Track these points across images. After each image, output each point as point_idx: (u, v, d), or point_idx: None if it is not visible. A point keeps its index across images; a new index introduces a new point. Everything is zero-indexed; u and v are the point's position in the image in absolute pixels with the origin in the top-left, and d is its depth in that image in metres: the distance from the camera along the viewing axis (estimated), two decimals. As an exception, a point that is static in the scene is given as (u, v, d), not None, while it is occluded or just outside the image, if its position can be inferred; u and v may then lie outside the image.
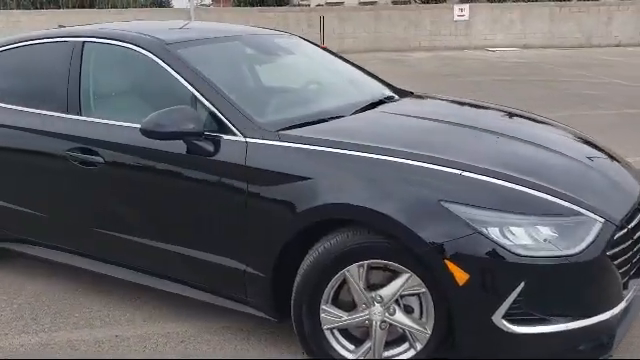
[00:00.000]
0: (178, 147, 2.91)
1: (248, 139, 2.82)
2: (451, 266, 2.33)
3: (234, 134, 2.86)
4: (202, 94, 2.98)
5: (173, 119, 2.81)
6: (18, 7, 20.37)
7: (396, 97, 3.67)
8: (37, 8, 20.78)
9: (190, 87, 3.01)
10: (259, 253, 2.79)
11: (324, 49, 4.08)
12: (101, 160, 3.16)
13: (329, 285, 2.59)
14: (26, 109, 3.55)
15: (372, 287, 2.57)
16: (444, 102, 3.87)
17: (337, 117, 3.09)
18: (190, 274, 3.10)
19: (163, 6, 32.62)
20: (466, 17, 22.31)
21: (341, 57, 4.07)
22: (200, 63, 3.14)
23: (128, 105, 3.38)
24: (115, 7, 23.01)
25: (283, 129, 2.86)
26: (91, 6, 22.75)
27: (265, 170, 2.73)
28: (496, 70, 14.75)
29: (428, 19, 22.20)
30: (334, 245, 2.54)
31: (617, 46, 22.22)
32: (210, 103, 2.95)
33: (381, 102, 3.48)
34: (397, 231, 2.40)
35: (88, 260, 3.48)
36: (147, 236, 3.15)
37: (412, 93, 3.85)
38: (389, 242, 2.46)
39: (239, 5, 29.06)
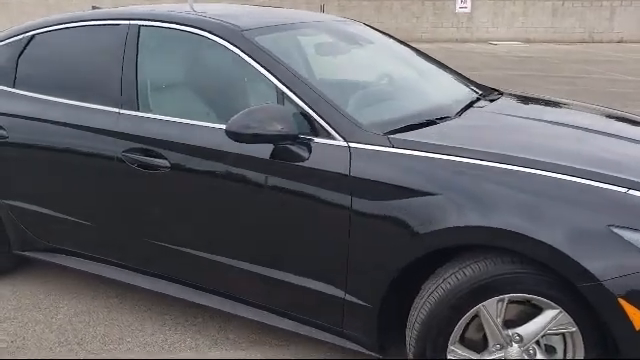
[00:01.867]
0: (263, 151, 2.47)
1: (351, 144, 2.38)
2: (626, 306, 1.92)
3: (332, 137, 2.43)
4: (291, 89, 2.54)
5: (264, 119, 2.37)
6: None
7: (488, 94, 3.25)
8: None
9: (276, 81, 2.57)
10: (364, 280, 2.37)
11: (390, 37, 3.64)
12: (166, 164, 2.71)
13: (460, 323, 2.17)
14: (69, 102, 3.08)
15: (509, 324, 2.17)
16: (546, 102, 3.44)
17: (442, 118, 2.67)
18: (270, 298, 2.67)
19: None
20: (468, 9, 21.93)
21: (408, 45, 3.63)
22: (282, 53, 2.71)
23: (196, 101, 2.91)
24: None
25: (391, 132, 2.43)
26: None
27: (375, 182, 2.30)
28: (507, 64, 14.37)
29: (430, 10, 21.78)
30: (470, 276, 2.12)
31: (619, 42, 21.97)
32: (301, 100, 2.51)
33: (476, 99, 3.06)
34: (556, 262, 1.99)
35: (140, 276, 3.03)
36: (219, 252, 2.72)
37: (497, 90, 3.43)
38: (540, 274, 2.05)
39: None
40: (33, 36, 3.31)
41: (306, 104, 2.50)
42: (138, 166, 2.78)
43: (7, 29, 3.58)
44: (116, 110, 2.91)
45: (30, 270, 3.64)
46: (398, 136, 2.40)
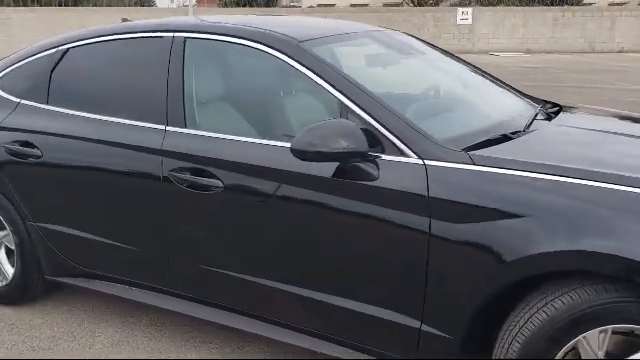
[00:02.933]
0: (327, 170, 2.31)
1: (427, 161, 2.22)
2: None
3: (404, 154, 2.26)
4: (356, 103, 2.37)
5: (327, 135, 2.20)
6: (2, 4, 19.39)
7: (546, 106, 3.09)
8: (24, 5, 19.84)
9: (338, 94, 2.41)
10: (444, 310, 2.19)
11: (435, 47, 3.48)
12: (218, 184, 2.53)
13: (557, 356, 2.00)
14: (108, 119, 2.90)
15: (612, 357, 1.99)
16: (609, 113, 3.28)
17: (514, 133, 2.50)
18: (334, 327, 2.49)
19: (145, 5, 31.68)
20: (469, 21, 21.91)
21: (455, 56, 3.48)
22: (341, 64, 2.55)
23: (248, 117, 2.74)
24: (100, 6, 22.15)
25: (469, 148, 2.27)
26: (75, 5, 21.78)
27: (457, 203, 2.13)
28: (512, 75, 14.20)
29: (431, 22, 21.75)
30: (568, 305, 1.95)
31: (620, 52, 21.97)
32: (368, 114, 2.35)
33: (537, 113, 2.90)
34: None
35: (185, 302, 2.84)
36: (277, 278, 2.54)
37: (551, 102, 3.27)
38: (648, 302, 1.88)
39: (225, 6, 28.16)
40: (67, 50, 3.13)
41: (373, 118, 2.33)
42: (188, 186, 2.61)
43: (37, 43, 3.41)
44: (161, 127, 2.74)
45: (58, 296, 3.45)
46: (479, 153, 2.23)
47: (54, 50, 3.17)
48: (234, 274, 2.63)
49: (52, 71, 3.14)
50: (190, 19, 3.00)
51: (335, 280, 2.42)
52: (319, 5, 28.80)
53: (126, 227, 2.90)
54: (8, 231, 3.26)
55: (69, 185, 2.99)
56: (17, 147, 3.09)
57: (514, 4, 23.37)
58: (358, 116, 2.36)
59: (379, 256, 2.29)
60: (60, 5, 19.96)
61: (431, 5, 24.14)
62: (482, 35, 21.94)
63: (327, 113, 2.45)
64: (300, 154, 2.24)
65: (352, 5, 29.03)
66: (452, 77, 3.18)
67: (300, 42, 2.58)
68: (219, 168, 2.55)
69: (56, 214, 3.08)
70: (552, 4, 22.95)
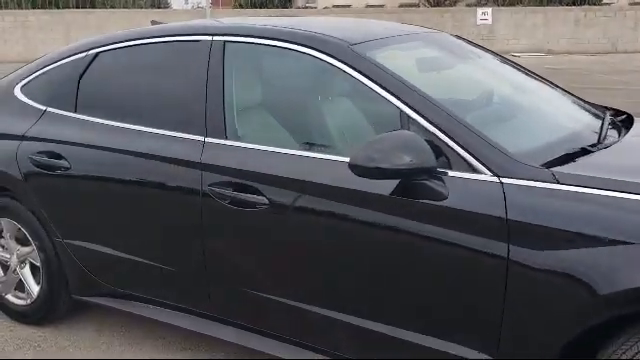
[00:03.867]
0: (388, 187, 2.08)
1: (504, 179, 1.98)
2: None
3: (476, 170, 2.03)
4: (420, 113, 2.15)
5: (388, 149, 1.98)
6: (21, 7, 19.31)
7: (614, 115, 2.84)
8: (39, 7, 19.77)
9: (399, 103, 2.18)
10: (523, 346, 1.96)
11: (486, 49, 3.24)
12: (263, 200, 2.31)
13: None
14: (141, 129, 2.69)
15: None
16: None
17: (593, 145, 2.26)
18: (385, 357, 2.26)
19: (161, 7, 31.62)
20: (489, 21, 21.60)
21: (510, 60, 3.24)
22: (399, 69, 2.32)
23: (295, 128, 2.52)
24: (113, 7, 22.07)
25: (549, 164, 2.03)
26: (92, 6, 21.68)
27: (540, 227, 1.89)
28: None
29: (450, 22, 21.45)
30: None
31: (643, 52, 21.55)
32: (433, 125, 2.12)
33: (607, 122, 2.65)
34: None
35: (224, 327, 2.62)
36: (327, 305, 2.31)
37: (618, 110, 3.01)
38: None
39: (241, 7, 28.01)
40: (97, 54, 2.93)
41: (439, 129, 2.10)
42: (229, 203, 2.39)
43: (63, 47, 3.21)
44: (200, 138, 2.52)
45: (86, 316, 3.24)
46: (561, 169, 1.99)
47: (82, 55, 2.97)
48: (281, 299, 2.41)
49: (80, 77, 2.94)
50: (228, 21, 2.79)
51: (393, 309, 2.19)
52: (335, 6, 28.60)
53: (161, 245, 2.69)
54: (33, 247, 3.06)
55: (100, 199, 2.79)
56: (43, 158, 2.89)
57: (534, 4, 23.01)
58: (421, 127, 2.14)
59: (447, 285, 2.06)
60: (77, 7, 19.93)
61: (448, 5, 23.86)
62: (502, 36, 21.61)
63: (385, 124, 2.21)
64: (359, 170, 2.01)
65: (368, 6, 28.83)
66: (512, 82, 2.94)
67: (352, 45, 2.36)
68: (264, 184, 2.33)
69: (85, 230, 2.88)
70: (574, 4, 22.57)
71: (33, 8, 18.87)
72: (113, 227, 2.79)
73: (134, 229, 2.74)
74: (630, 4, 23.21)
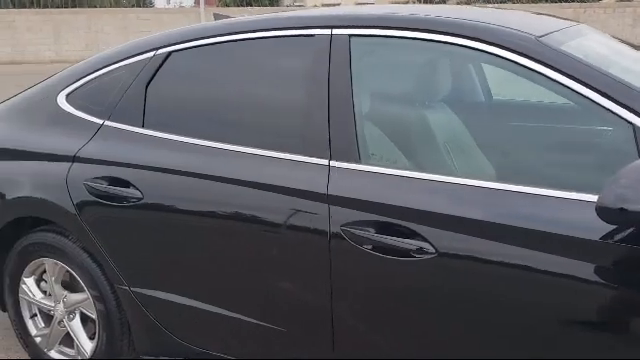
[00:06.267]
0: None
1: None
2: None
3: None
4: None
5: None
6: (13, 5, 18.48)
7: None
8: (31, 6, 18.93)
9: (627, 113, 1.62)
10: None
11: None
12: (427, 248, 1.74)
13: None
14: (240, 149, 2.11)
15: None
16: None
17: None
18: None
19: (145, 7, 30.87)
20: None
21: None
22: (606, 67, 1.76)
23: (464, 149, 1.95)
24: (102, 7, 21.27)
25: None
26: (74, 6, 20.78)
27: None
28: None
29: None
30: None
31: (643, 49, 21.30)
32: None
33: None
34: None
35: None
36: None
37: None
38: None
39: (226, 6, 27.27)
40: (169, 54, 2.34)
41: None
42: (373, 249, 1.82)
43: (117, 46, 2.61)
44: (323, 162, 1.95)
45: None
46: None
47: (148, 56, 2.37)
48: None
49: (148, 84, 2.35)
50: (346, 9, 2.21)
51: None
52: (324, 5, 28.12)
53: (265, 299, 2.10)
54: (87, 295, 2.47)
55: (182, 238, 2.20)
56: (104, 186, 2.30)
57: (527, 1, 22.64)
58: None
59: None
60: (60, 6, 19.10)
61: (439, 4, 23.38)
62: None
63: (607, 142, 1.66)
64: (608, 215, 1.45)
65: (357, 4, 28.42)
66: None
67: (539, 37, 1.80)
68: (426, 224, 1.76)
69: (161, 276, 2.29)
70: (573, 0, 22.27)
71: (20, 7, 18.07)
72: (198, 273, 2.21)
73: (227, 277, 2.15)
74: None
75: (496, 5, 21.90)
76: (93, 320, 2.50)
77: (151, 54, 2.37)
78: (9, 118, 2.70)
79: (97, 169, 2.33)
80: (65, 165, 2.39)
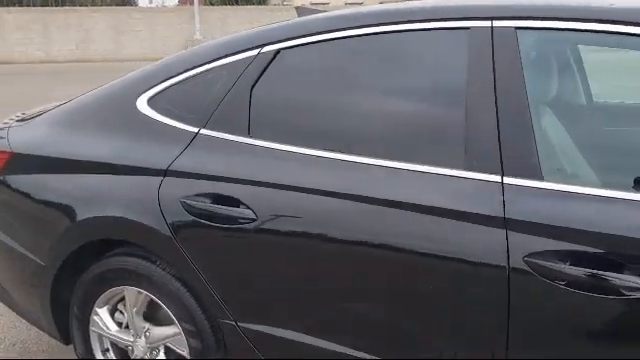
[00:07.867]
0: None
1: None
2: None
3: None
4: None
5: None
6: (1, 4, 17.92)
7: None
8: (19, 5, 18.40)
9: None
10: None
11: None
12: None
13: None
14: (378, 162, 1.80)
15: None
16: None
17: None
18: None
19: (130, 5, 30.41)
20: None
21: None
22: None
23: None
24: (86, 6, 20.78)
25: None
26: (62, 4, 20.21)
27: None
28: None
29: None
30: None
31: None
32: None
33: None
34: None
35: None
36: None
37: None
38: None
39: (211, 4, 26.79)
40: (278, 52, 2.02)
41: None
42: (567, 285, 1.52)
43: (207, 42, 2.28)
44: (494, 178, 1.64)
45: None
46: None
47: (253, 53, 2.05)
48: None
49: (253, 86, 2.03)
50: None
51: None
52: (312, 4, 27.86)
53: (412, 341, 1.79)
54: (179, 330, 2.14)
55: (308, 267, 1.88)
56: (208, 204, 1.97)
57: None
58: None
59: None
60: (44, 5, 18.55)
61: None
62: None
63: None
64: None
65: (347, 4, 28.21)
66: None
67: None
68: (645, 255, 1.46)
69: (280, 312, 1.96)
70: None
71: (9, 5, 17.56)
72: (328, 310, 1.89)
73: (365, 315, 1.83)
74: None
75: None
76: (182, 358, 2.17)
77: (255, 52, 2.05)
78: (72, 125, 2.36)
79: (197, 185, 2.00)
80: (155, 180, 2.06)
